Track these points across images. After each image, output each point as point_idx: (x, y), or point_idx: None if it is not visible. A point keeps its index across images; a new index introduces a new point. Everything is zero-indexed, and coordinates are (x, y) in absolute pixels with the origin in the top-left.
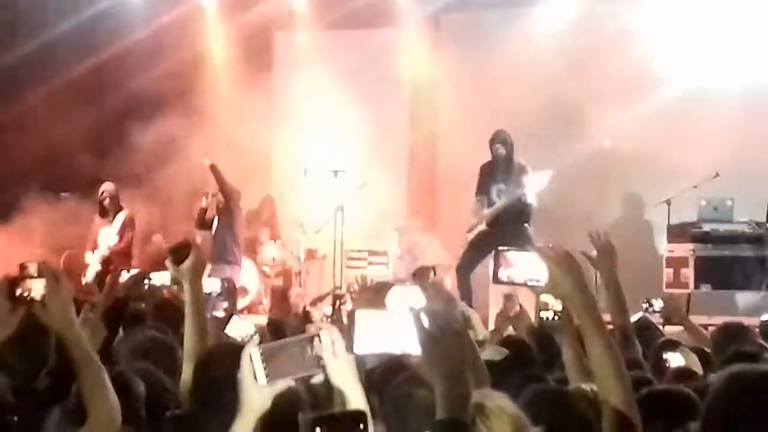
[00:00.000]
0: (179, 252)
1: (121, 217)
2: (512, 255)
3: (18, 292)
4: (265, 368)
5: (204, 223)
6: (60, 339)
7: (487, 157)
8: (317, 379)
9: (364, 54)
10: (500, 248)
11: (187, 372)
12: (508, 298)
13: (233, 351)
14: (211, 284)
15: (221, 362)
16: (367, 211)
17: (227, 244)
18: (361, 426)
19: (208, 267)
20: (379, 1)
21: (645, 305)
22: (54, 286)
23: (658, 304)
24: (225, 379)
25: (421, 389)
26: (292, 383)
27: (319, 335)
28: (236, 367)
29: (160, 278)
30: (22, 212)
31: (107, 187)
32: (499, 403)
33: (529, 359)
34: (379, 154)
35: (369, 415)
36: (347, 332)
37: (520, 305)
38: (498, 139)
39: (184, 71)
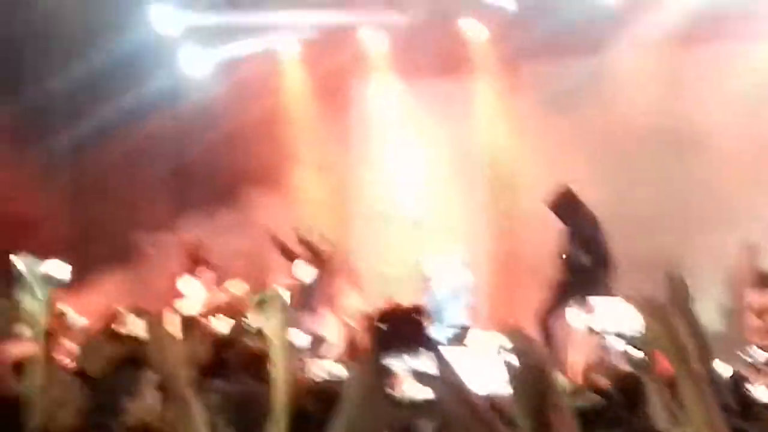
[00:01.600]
0: (264, 300)
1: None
2: (605, 303)
3: (120, 328)
4: None
5: (290, 256)
6: (160, 375)
7: None
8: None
9: (442, 102)
10: (588, 295)
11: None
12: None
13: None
14: (298, 338)
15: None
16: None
17: (315, 294)
18: (421, 319)
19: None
20: (458, 49)
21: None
22: (155, 325)
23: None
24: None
25: None
26: None
27: None
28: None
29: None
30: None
31: (188, 239)
32: None
33: (618, 406)
34: (458, 203)
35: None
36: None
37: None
38: None
39: (264, 120)
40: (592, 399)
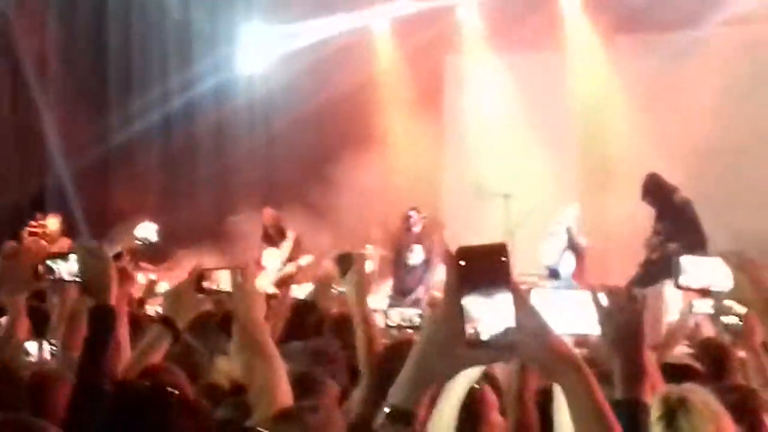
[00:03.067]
0: (344, 262)
1: (290, 241)
2: (694, 261)
3: (206, 284)
4: None
5: (394, 245)
6: (242, 326)
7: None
8: None
9: (535, 77)
10: (682, 254)
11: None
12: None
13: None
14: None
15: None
16: (536, 236)
17: (421, 278)
18: (503, 258)
19: (392, 294)
20: (550, 24)
21: None
22: (240, 278)
23: None
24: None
25: None
26: None
27: None
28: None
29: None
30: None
31: (268, 212)
32: (705, 399)
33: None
34: (550, 178)
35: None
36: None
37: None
38: None
39: (354, 97)
40: (680, 358)
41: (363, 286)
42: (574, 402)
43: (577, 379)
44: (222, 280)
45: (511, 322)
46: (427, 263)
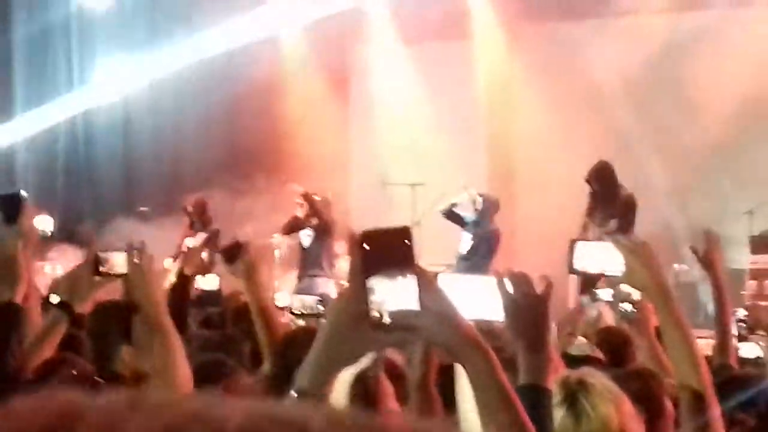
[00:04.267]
0: (231, 253)
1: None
2: (588, 246)
3: (102, 267)
4: None
5: (292, 230)
6: (140, 309)
7: (562, 165)
8: None
9: (442, 66)
10: (576, 239)
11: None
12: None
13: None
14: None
15: (298, 346)
16: (444, 225)
17: (321, 257)
18: (406, 241)
19: (298, 280)
20: (455, 13)
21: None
22: (137, 260)
23: (740, 313)
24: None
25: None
26: None
27: None
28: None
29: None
30: None
31: (194, 200)
32: (603, 381)
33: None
34: (457, 167)
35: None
36: None
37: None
38: None
39: (262, 86)
40: (581, 347)
41: (252, 275)
42: (478, 384)
43: (482, 362)
44: (118, 263)
45: (415, 305)
46: (318, 241)
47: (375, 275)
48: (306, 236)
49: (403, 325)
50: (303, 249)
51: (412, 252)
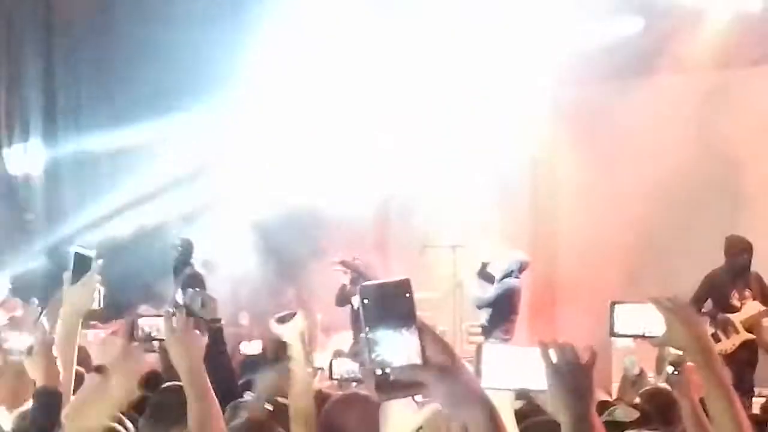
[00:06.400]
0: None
1: None
2: (628, 308)
3: (139, 333)
4: None
5: (345, 299)
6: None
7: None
8: None
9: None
10: (615, 301)
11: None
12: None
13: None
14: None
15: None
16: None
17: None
18: (407, 294)
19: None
20: None
21: None
22: (174, 324)
23: None
24: None
25: None
26: None
27: None
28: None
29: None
30: None
31: None
32: None
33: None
34: (498, 229)
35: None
36: (475, 365)
37: (641, 368)
38: None
39: None
40: (627, 412)
41: (304, 337)
42: None
43: (485, 417)
44: (156, 328)
45: (417, 358)
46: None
47: (376, 328)
48: (356, 299)
49: (406, 381)
50: (354, 310)
51: (413, 304)
